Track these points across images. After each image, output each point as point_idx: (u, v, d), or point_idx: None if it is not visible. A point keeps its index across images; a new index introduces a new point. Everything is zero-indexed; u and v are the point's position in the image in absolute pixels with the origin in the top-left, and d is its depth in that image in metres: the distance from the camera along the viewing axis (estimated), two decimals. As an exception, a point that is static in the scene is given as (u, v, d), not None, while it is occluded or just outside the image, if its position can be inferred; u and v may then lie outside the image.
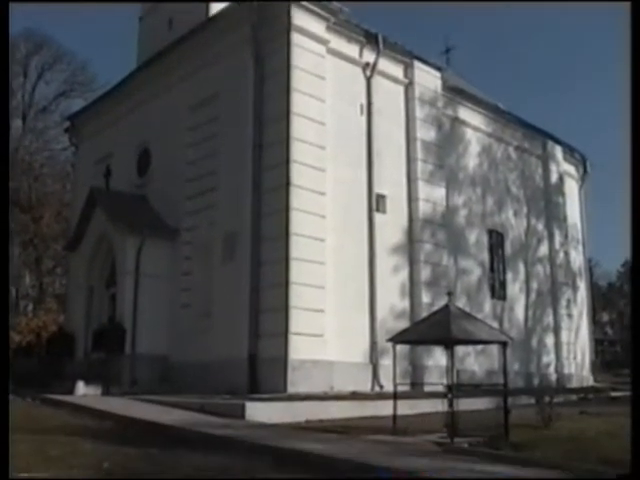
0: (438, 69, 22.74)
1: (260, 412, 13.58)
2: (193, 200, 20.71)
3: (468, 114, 24.34)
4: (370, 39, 20.33)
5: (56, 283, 51.93)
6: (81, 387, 18.32)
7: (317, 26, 18.91)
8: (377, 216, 19.66)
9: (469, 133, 24.38)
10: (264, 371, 17.06)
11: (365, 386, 18.02)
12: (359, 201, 19.49)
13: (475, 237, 23.75)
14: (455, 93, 23.71)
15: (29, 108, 50.50)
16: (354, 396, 16.24)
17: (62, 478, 6.25)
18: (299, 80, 18.21)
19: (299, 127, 17.95)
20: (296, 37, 18.40)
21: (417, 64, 21.75)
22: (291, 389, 16.29)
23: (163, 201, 21.70)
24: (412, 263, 20.54)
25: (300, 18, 18.51)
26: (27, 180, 48.62)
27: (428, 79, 22.10)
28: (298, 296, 16.93)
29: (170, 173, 21.74)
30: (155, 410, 14.38)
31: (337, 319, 17.70)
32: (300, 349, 16.69)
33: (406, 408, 13.03)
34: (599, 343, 50.80)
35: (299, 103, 18.10)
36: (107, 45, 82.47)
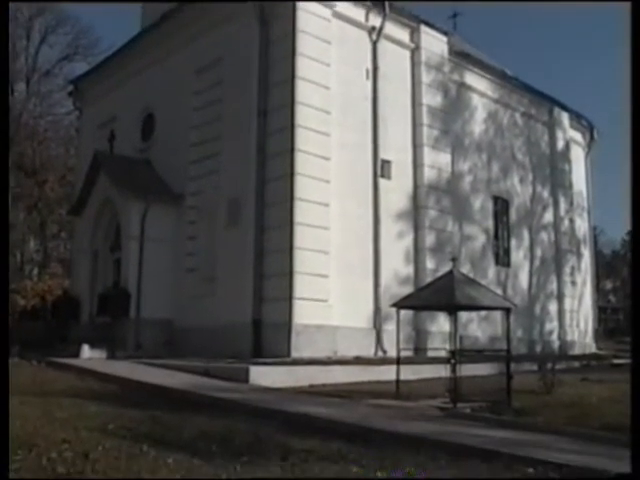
0: (445, 34, 22.48)
1: (264, 376, 13.68)
2: (197, 165, 20.65)
3: (474, 79, 24.11)
4: (376, 3, 20.06)
5: (61, 247, 52.05)
6: (86, 350, 18.45)
7: (323, -12, 18.66)
8: (382, 182, 19.58)
9: (475, 99, 24.17)
10: (268, 336, 17.16)
11: (368, 351, 18.10)
12: (364, 166, 19.40)
13: (480, 204, 23.68)
14: (461, 58, 23.46)
15: (33, 72, 50.14)
16: (357, 361, 16.32)
17: (61, 478, 6.33)
18: (304, 44, 18.05)
19: (304, 92, 17.83)
20: (301, 2, 18.17)
21: (423, 28, 21.50)
22: (295, 354, 16.39)
23: (167, 166, 21.64)
24: (417, 229, 20.52)
25: (305, -19, 18.24)
26: (31, 144, 48.47)
27: (434, 44, 21.86)
28: (302, 261, 16.96)
29: (174, 137, 21.64)
30: (160, 373, 14.49)
31: (341, 284, 17.75)
32: (304, 314, 16.77)
33: (409, 373, 13.09)
34: (602, 311, 50.99)
35: (304, 67, 17.96)
36: (111, 8, 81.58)
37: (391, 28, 20.57)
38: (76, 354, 18.17)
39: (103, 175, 21.82)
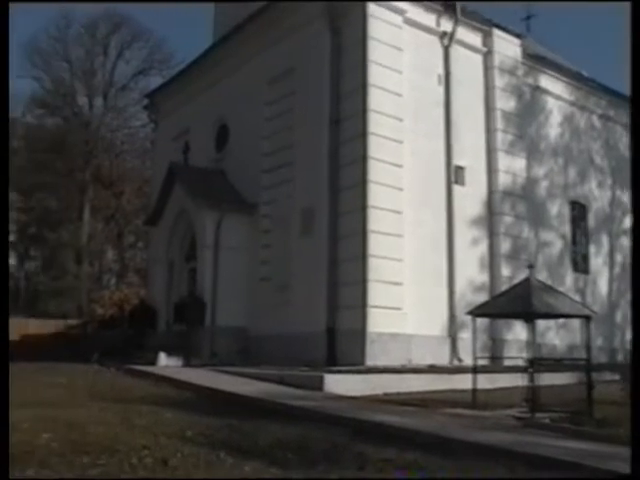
0: (518, 36, 22.11)
1: (338, 384, 13.66)
2: (270, 174, 20.86)
3: (549, 82, 23.63)
4: (448, 7, 19.91)
5: (137, 257, 53.29)
6: (163, 358, 18.80)
7: (394, -5, 18.64)
8: (456, 188, 19.38)
9: (550, 102, 23.67)
10: (342, 344, 17.16)
11: (443, 360, 17.91)
12: (437, 173, 19.25)
13: (557, 209, 23.16)
14: (536, 61, 23.04)
15: (110, 86, 51.69)
16: (432, 369, 16.17)
17: (61, 478, 6.47)
18: (376, 52, 18.05)
19: (376, 99, 17.82)
20: (372, 8, 18.22)
21: (496, 32, 21.21)
22: (369, 362, 16.33)
23: (241, 175, 21.92)
24: (491, 236, 20.21)
25: (376, -13, 18.26)
26: (108, 157, 49.93)
27: (508, 47, 21.54)
28: (376, 269, 16.92)
29: (247, 148, 21.92)
30: (235, 381, 14.64)
31: (415, 292, 17.62)
32: (378, 322, 16.71)
33: (485, 382, 12.89)
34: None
35: (376, 75, 17.95)
36: (184, 22, 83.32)
37: (463, 32, 20.36)
38: (153, 362, 18.55)
39: (178, 186, 22.25)
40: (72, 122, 52.28)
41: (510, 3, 36.12)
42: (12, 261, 64.31)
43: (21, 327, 37.15)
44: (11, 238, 62.72)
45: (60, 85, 52.18)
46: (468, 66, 20.54)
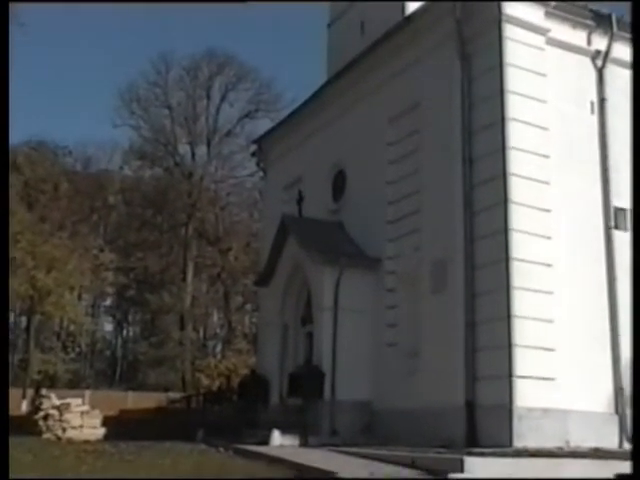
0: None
1: (481, 469, 13.06)
2: (395, 224, 20.73)
3: None
4: (600, 21, 19.33)
5: (246, 321, 54.20)
6: (277, 437, 18.68)
7: (534, 13, 18.33)
8: (616, 234, 18.53)
9: None
10: (484, 421, 16.58)
11: (610, 441, 16.88)
12: (593, 217, 18.53)
13: None
14: None
15: (213, 133, 53.49)
16: (597, 454, 15.28)
17: (62, 477, 6.28)
18: (515, 79, 17.72)
19: (517, 134, 17.44)
20: (509, 29, 17.94)
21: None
22: (517, 442, 15.67)
23: (362, 227, 21.88)
24: (662, 290, 19.22)
25: (513, 6, 18.02)
26: (213, 210, 51.36)
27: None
28: (523, 332, 16.32)
29: (368, 195, 21.91)
30: (359, 464, 14.32)
31: (571, 359, 16.84)
32: (527, 395, 16.07)
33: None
34: None
35: (516, 106, 17.59)
36: (293, 58, 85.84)
37: (620, 50, 19.53)
38: (266, 441, 18.44)
39: (292, 240, 22.41)
40: (173, 173, 54.26)
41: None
42: (109, 327, 66.79)
43: (119, 401, 38.25)
44: (108, 302, 65.28)
45: (160, 133, 54.41)
46: (628, 89, 19.81)
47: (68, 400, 21.47)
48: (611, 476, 13.29)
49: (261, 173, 31.22)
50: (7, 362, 9.34)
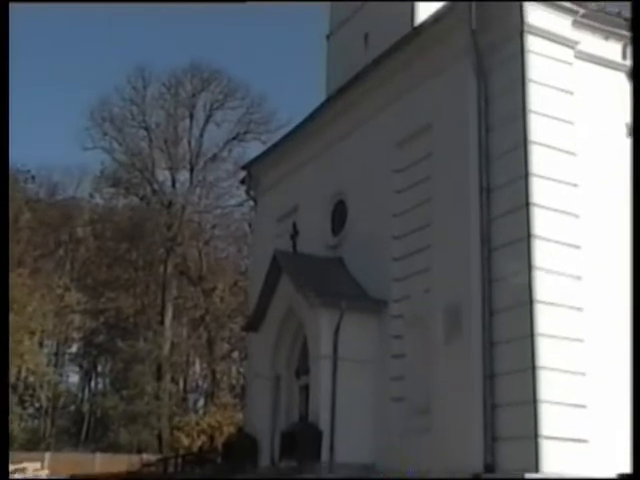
0: None
1: None
2: (402, 262, 20.77)
3: None
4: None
5: (232, 372, 53.95)
6: (268, 505, 18.62)
7: (560, 23, 18.46)
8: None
9: None
10: (506, 487, 16.53)
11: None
12: (627, 255, 18.58)
13: None
14: None
15: (197, 157, 53.51)
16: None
17: (61, 477, 6.26)
18: (538, 98, 17.84)
19: (541, 160, 17.53)
20: (532, 41, 18.09)
21: None
22: (544, 513, 15.60)
23: (365, 265, 21.88)
24: None
25: (536, 15, 18.17)
26: (196, 244, 51.32)
27: None
28: (549, 385, 16.29)
29: (372, 229, 21.94)
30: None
31: (605, 417, 16.87)
32: (556, 458, 16.01)
33: None
34: None
35: (539, 128, 17.70)
36: (288, 73, 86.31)
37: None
38: (255, 510, 18.39)
39: (285, 279, 22.40)
40: (151, 202, 54.27)
41: None
42: (74, 378, 66.32)
43: (85, 464, 37.86)
44: (73, 349, 64.89)
45: (136, 157, 54.47)
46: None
47: (24, 464, 21.31)
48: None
49: (251, 203, 31.44)
50: (7, 362, 9.53)
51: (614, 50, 19.42)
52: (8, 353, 7.38)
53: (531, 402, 16.24)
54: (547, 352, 16.53)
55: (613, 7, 19.33)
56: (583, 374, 16.76)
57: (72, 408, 65.44)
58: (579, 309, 17.13)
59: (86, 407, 63.96)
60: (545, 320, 16.71)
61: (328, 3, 27.50)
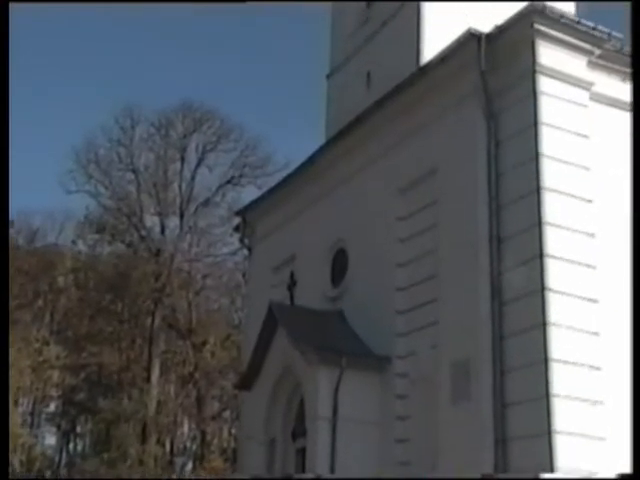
0: None
1: None
2: (407, 316, 20.76)
3: None
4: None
5: (223, 433, 53.57)
6: None
7: (575, 63, 18.68)
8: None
9: None
10: None
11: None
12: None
13: None
14: None
15: (188, 202, 53.57)
16: None
17: (61, 478, 6.20)
18: (552, 142, 17.97)
19: (555, 207, 17.61)
20: (544, 82, 18.26)
21: None
22: None
23: (366, 318, 21.82)
24: None
25: (549, 55, 18.39)
26: (186, 295, 51.20)
27: None
28: (567, 451, 16.21)
29: (375, 280, 21.94)
30: None
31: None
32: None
33: None
34: None
35: (553, 175, 17.80)
36: (285, 114, 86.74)
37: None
38: None
39: (281, 334, 22.32)
40: (138, 250, 54.20)
41: None
42: (51, 440, 65.59)
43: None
44: (51, 408, 64.35)
45: (123, 202, 54.48)
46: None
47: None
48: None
49: (245, 251, 31.36)
50: (7, 362, 9.53)
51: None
52: (8, 353, 7.35)
53: (548, 470, 16.05)
54: (563, 415, 16.39)
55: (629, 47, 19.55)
56: (602, 439, 16.65)
57: (48, 473, 64.63)
58: (598, 368, 17.08)
59: (63, 472, 63.21)
60: (560, 379, 16.63)
61: (328, 41, 27.70)
